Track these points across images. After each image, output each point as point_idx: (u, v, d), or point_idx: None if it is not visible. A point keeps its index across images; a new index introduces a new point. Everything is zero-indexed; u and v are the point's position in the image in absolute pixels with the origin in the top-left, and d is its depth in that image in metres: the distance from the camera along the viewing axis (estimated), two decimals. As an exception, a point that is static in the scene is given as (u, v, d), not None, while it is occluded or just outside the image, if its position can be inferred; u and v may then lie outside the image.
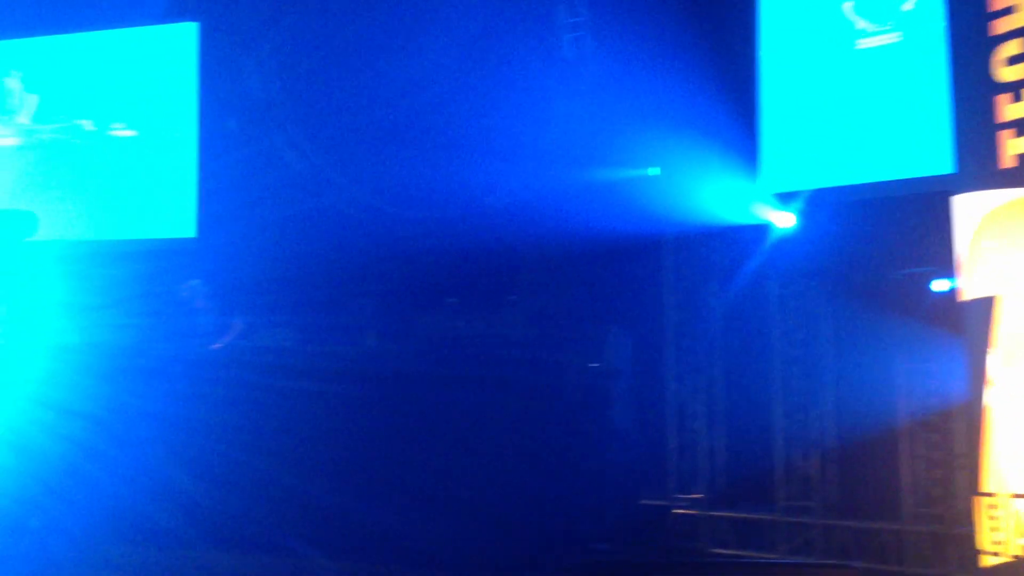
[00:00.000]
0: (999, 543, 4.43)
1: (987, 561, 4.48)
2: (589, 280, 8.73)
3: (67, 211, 10.02)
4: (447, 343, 8.31)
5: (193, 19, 10.08)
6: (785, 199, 7.77)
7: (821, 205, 7.60)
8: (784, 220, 7.77)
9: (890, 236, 7.31)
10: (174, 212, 9.81)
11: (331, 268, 9.06)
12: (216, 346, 8.27)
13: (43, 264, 8.40)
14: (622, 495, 7.83)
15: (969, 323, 4.74)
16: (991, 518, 4.48)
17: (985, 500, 4.52)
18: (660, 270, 8.21)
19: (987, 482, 4.55)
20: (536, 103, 9.19)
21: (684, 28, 8.47)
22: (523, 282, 8.91)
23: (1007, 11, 4.65)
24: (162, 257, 9.43)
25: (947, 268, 5.31)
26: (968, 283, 4.75)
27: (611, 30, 9.08)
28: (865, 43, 7.51)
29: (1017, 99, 4.58)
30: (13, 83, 10.55)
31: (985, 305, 4.61)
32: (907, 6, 7.32)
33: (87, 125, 10.27)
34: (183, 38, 10.07)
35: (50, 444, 6.87)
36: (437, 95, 9.34)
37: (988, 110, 4.67)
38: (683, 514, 7.87)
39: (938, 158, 6.51)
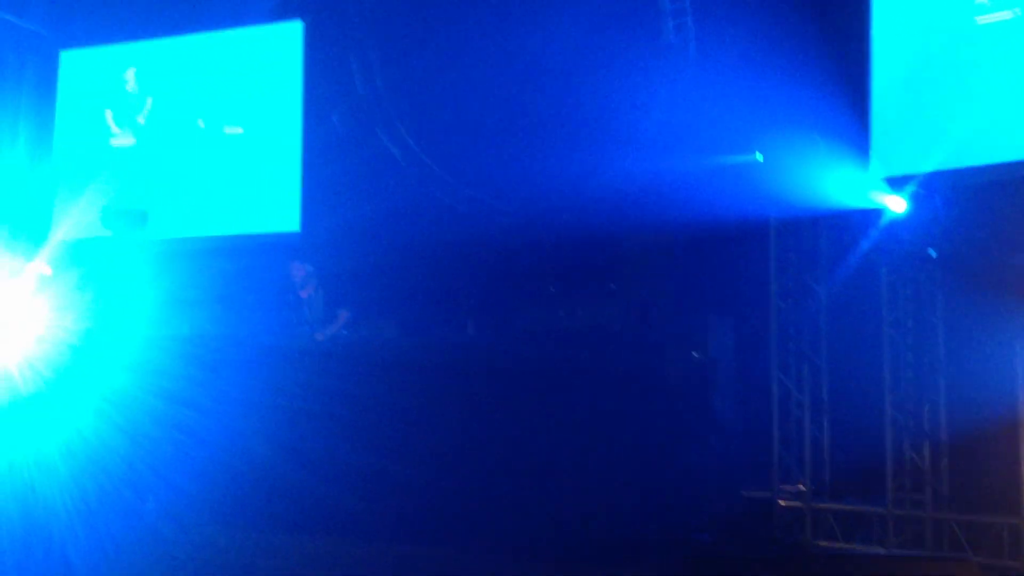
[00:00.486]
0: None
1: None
2: (692, 268, 8.60)
3: (179, 208, 10.37)
4: (548, 333, 8.29)
5: (298, 18, 10.31)
6: (897, 183, 7.51)
7: (934, 189, 7.31)
8: (895, 205, 7.50)
9: (1008, 220, 7.00)
10: (279, 208, 10.06)
11: (433, 260, 9.14)
12: (320, 337, 8.43)
13: (156, 260, 8.73)
14: (724, 486, 7.69)
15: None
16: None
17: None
18: (765, 257, 8.01)
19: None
20: (639, 90, 9.10)
21: (791, 7, 8.27)
22: (624, 271, 8.83)
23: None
24: (267, 252, 9.67)
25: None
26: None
27: (714, 14, 8.92)
28: (985, 19, 7.18)
29: None
30: (131, 85, 10.98)
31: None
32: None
33: (200, 124, 10.61)
34: (289, 37, 10.31)
35: (160, 432, 7.12)
36: (539, 85, 9.33)
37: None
38: (787, 506, 7.67)
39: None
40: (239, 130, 10.44)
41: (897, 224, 7.49)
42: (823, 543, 7.30)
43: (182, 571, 6.32)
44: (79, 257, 9.20)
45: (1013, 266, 6.87)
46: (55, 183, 10.96)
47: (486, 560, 6.79)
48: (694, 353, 7.79)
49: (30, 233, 10.05)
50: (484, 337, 8.49)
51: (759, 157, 8.32)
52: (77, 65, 11.21)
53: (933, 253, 7.61)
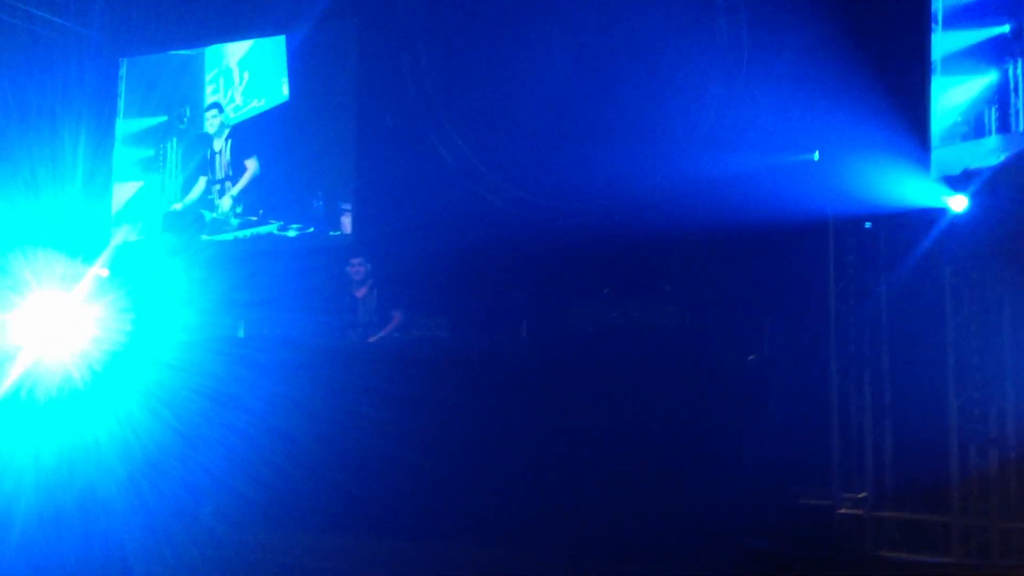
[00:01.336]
0: None
1: None
2: (748, 269, 8.45)
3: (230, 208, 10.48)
4: (602, 334, 8.20)
5: (351, 18, 10.34)
6: (958, 180, 7.30)
7: (998, 185, 7.10)
8: (957, 203, 7.30)
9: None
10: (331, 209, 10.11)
11: (484, 263, 9.11)
12: (374, 339, 8.43)
13: (210, 261, 8.83)
14: (781, 493, 7.53)
15: None
16: None
17: None
18: (823, 258, 7.83)
19: None
20: (692, 88, 8.99)
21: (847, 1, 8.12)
22: (679, 271, 8.72)
23: None
24: (320, 254, 9.72)
25: None
26: None
27: (767, 10, 8.78)
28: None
29: None
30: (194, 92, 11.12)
31: None
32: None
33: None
34: (342, 38, 10.35)
35: (213, 433, 7.16)
36: (590, 84, 9.26)
37: None
38: (847, 514, 7.49)
39: None
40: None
41: (960, 223, 7.29)
42: (885, 553, 7.10)
43: (237, 572, 6.34)
44: (135, 260, 9.35)
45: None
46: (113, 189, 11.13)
47: (538, 560, 6.73)
48: (751, 356, 7.64)
49: (90, 236, 10.21)
50: (537, 339, 8.42)
51: (815, 156, 8.16)
52: (138, 71, 11.37)
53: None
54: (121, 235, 10.89)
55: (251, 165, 10.55)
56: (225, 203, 10.52)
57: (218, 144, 10.82)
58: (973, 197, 7.20)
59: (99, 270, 8.65)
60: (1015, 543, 6.63)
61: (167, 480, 6.99)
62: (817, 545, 7.22)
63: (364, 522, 7.13)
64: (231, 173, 10.63)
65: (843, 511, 7.49)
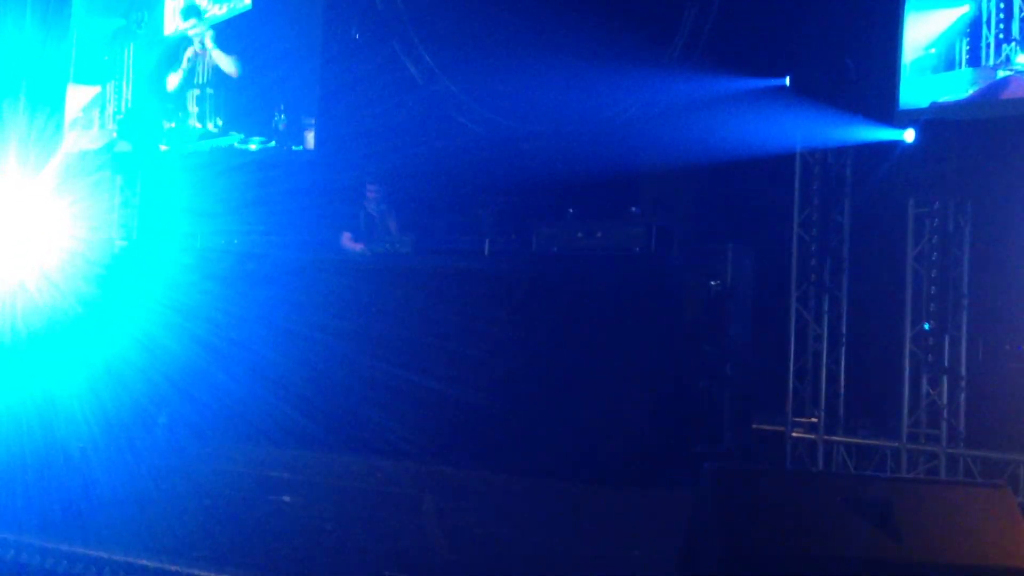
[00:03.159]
0: None
1: None
2: (715, 195, 8.48)
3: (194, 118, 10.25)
4: (565, 254, 8.18)
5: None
6: (912, 115, 7.35)
7: (944, 123, 7.17)
8: (909, 135, 7.39)
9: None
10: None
11: (450, 179, 9.04)
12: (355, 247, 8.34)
13: (172, 171, 8.67)
14: (737, 418, 7.67)
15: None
16: None
17: None
18: (789, 186, 7.89)
19: None
20: (664, 12, 8.88)
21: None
22: (646, 194, 8.72)
23: None
24: (281, 166, 9.59)
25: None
26: None
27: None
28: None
29: None
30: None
31: None
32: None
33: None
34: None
35: (175, 343, 7.10)
36: (562, 5, 9.10)
37: None
38: (800, 438, 7.67)
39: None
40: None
41: (921, 156, 7.37)
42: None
43: (199, 480, 6.32)
44: (99, 164, 9.12)
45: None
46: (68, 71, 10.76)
47: (496, 476, 6.81)
48: (712, 282, 7.70)
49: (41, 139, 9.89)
50: (500, 257, 8.39)
51: (786, 82, 8.15)
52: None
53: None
54: (72, 141, 10.61)
55: (229, 68, 10.22)
56: (192, 108, 10.25)
57: (191, 50, 10.47)
58: (922, 130, 7.28)
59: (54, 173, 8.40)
60: (962, 470, 6.83)
61: (127, 389, 6.93)
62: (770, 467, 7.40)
63: (327, 435, 7.16)
64: (204, 80, 10.33)
65: (796, 434, 7.69)
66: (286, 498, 6.01)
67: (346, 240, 8.39)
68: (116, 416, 6.04)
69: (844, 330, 7.73)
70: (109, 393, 6.19)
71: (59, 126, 10.67)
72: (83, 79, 10.90)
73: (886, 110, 7.44)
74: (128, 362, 6.76)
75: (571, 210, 8.07)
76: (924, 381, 7.16)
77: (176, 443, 7.10)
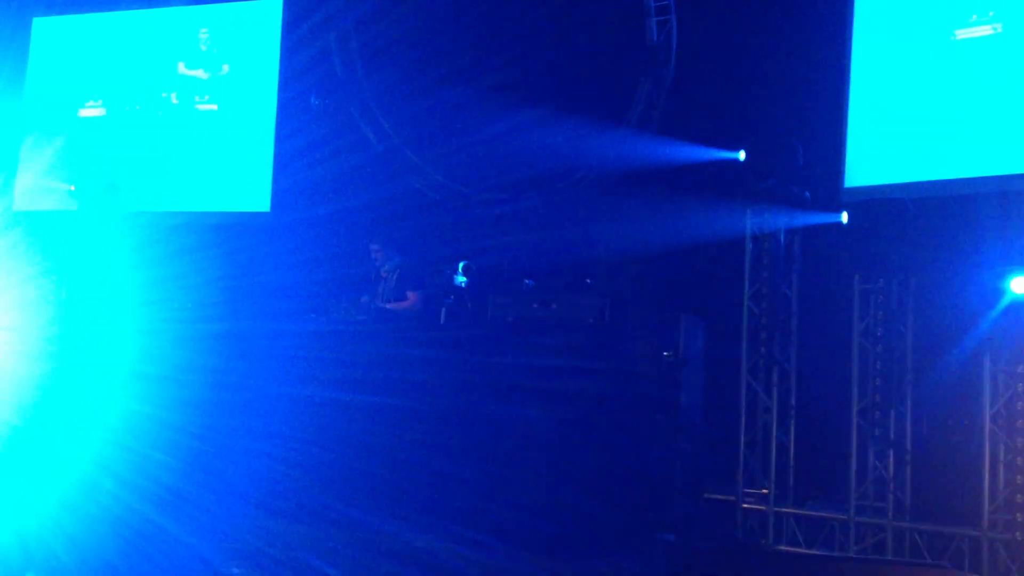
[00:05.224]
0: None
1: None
2: (668, 268, 8.61)
3: (148, 182, 10.21)
4: (520, 324, 8.24)
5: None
6: (865, 193, 7.59)
7: (904, 201, 7.41)
8: (842, 217, 7.67)
9: (979, 234, 7.10)
10: (249, 186, 9.95)
11: (405, 246, 9.08)
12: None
13: (123, 232, 8.57)
14: (689, 487, 7.73)
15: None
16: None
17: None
18: (740, 261, 8.07)
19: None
20: (621, 83, 9.10)
21: (773, 12, 8.33)
22: (600, 267, 8.83)
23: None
24: (236, 230, 9.59)
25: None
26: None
27: (699, 15, 8.94)
28: (964, 33, 7.25)
29: None
30: (102, 56, 10.76)
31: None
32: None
33: (173, 99, 10.44)
34: (267, 13, 10.17)
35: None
36: (520, 74, 9.27)
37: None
38: (750, 509, 7.74)
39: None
40: (214, 106, 10.29)
41: (873, 236, 7.59)
42: (786, 548, 7.37)
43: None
44: (41, 232, 8.97)
45: (979, 280, 6.96)
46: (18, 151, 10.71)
47: (450, 545, 6.75)
48: (665, 353, 7.80)
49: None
50: (455, 326, 8.43)
51: (740, 155, 8.37)
52: (49, 33, 10.98)
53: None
54: (23, 200, 10.51)
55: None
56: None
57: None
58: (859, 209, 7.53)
59: None
60: (908, 543, 6.94)
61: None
62: (721, 539, 7.45)
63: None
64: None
65: (746, 505, 7.76)
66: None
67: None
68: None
69: (793, 402, 7.86)
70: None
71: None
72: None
73: (832, 191, 7.68)
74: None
75: (528, 281, 8.16)
76: (871, 454, 7.29)
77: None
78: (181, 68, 10.39)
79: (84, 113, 10.75)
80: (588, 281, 8.06)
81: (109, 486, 7.14)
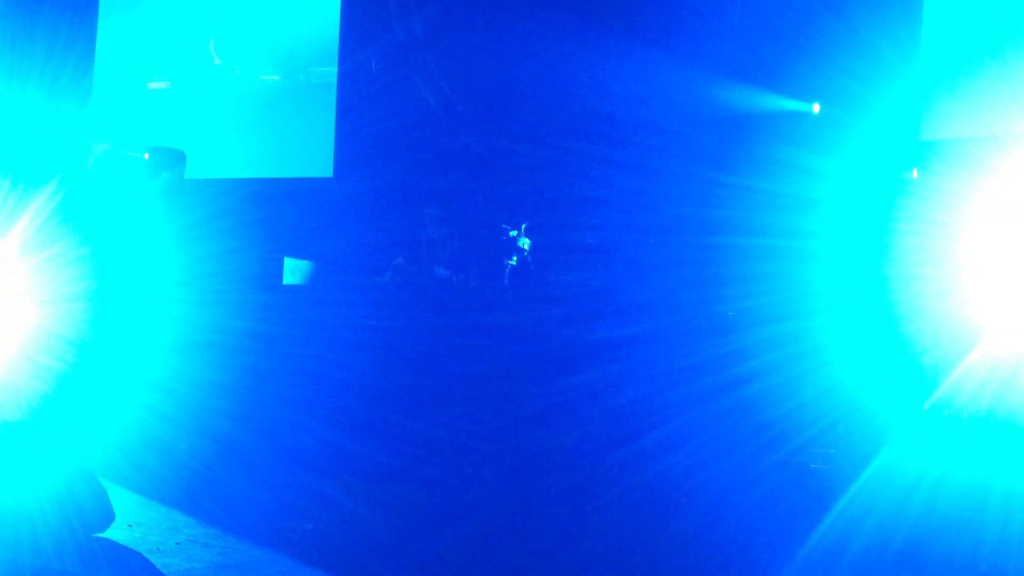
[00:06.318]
0: None
1: None
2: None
3: (215, 150, 10.35)
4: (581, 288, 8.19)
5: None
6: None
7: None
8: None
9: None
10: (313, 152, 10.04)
11: (465, 206, 9.09)
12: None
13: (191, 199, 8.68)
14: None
15: None
16: None
17: None
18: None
19: None
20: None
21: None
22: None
23: None
24: (301, 196, 9.69)
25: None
26: None
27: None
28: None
29: None
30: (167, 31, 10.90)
31: None
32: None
33: (235, 70, 10.55)
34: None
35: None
36: (579, 32, 9.16)
37: None
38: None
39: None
40: (275, 77, 10.39)
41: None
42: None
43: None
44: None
45: None
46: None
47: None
48: (729, 313, 7.68)
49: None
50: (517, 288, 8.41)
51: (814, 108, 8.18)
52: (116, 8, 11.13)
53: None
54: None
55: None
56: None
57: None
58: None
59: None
60: None
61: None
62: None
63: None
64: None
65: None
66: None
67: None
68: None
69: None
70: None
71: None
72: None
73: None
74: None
75: (589, 240, 8.12)
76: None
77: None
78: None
79: (152, 86, 10.91)
80: (651, 242, 7.99)
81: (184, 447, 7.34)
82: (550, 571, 5.37)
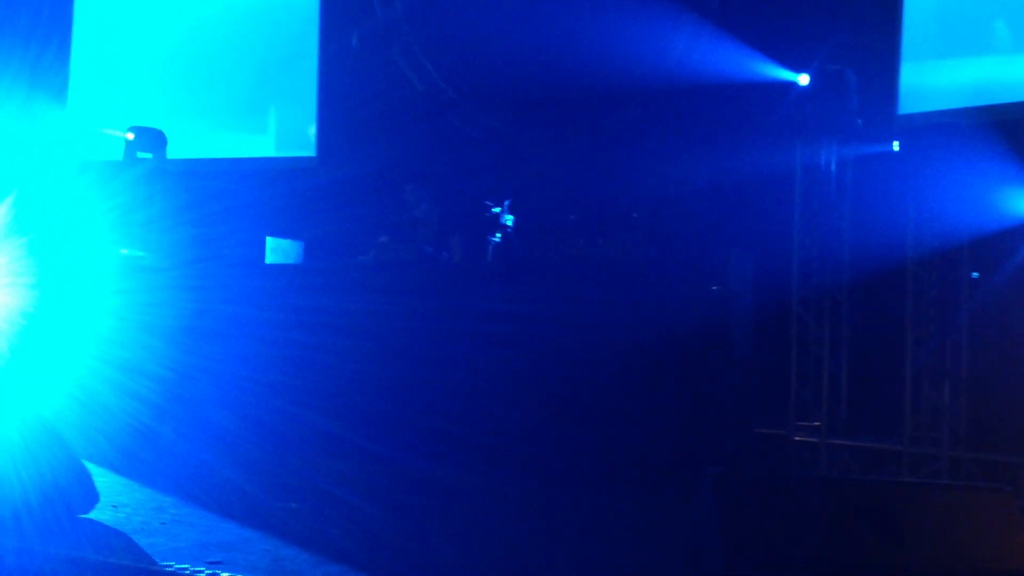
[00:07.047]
0: None
1: None
2: (716, 201, 8.49)
3: (193, 132, 10.28)
4: (566, 261, 8.22)
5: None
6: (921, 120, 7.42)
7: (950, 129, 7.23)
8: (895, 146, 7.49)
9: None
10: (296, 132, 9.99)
11: (451, 186, 9.05)
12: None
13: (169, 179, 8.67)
14: (739, 422, 7.69)
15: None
16: None
17: None
18: (790, 193, 7.93)
19: None
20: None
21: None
22: (647, 201, 8.74)
23: None
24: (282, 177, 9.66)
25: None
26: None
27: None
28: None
29: None
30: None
31: None
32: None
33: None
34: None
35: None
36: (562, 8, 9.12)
37: None
38: (803, 442, 7.69)
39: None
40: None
41: (929, 160, 7.39)
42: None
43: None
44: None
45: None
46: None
47: (507, 484, 6.78)
48: (714, 287, 7.72)
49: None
50: (503, 261, 8.41)
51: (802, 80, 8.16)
52: None
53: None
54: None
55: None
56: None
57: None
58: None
59: None
60: (964, 472, 6.85)
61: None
62: (772, 471, 7.41)
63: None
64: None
65: (798, 439, 7.71)
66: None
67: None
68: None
69: (845, 334, 7.77)
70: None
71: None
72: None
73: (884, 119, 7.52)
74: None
75: (572, 216, 8.10)
76: (925, 384, 7.18)
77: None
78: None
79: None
80: (634, 216, 7.98)
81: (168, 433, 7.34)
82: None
